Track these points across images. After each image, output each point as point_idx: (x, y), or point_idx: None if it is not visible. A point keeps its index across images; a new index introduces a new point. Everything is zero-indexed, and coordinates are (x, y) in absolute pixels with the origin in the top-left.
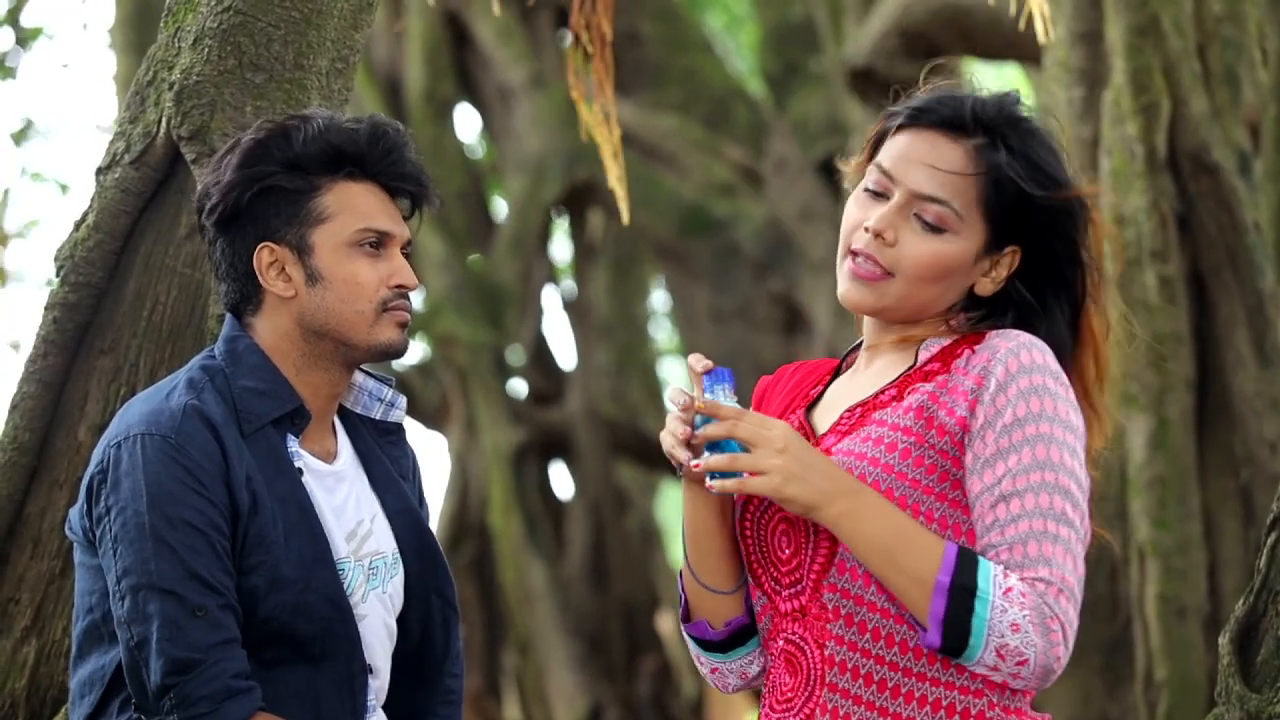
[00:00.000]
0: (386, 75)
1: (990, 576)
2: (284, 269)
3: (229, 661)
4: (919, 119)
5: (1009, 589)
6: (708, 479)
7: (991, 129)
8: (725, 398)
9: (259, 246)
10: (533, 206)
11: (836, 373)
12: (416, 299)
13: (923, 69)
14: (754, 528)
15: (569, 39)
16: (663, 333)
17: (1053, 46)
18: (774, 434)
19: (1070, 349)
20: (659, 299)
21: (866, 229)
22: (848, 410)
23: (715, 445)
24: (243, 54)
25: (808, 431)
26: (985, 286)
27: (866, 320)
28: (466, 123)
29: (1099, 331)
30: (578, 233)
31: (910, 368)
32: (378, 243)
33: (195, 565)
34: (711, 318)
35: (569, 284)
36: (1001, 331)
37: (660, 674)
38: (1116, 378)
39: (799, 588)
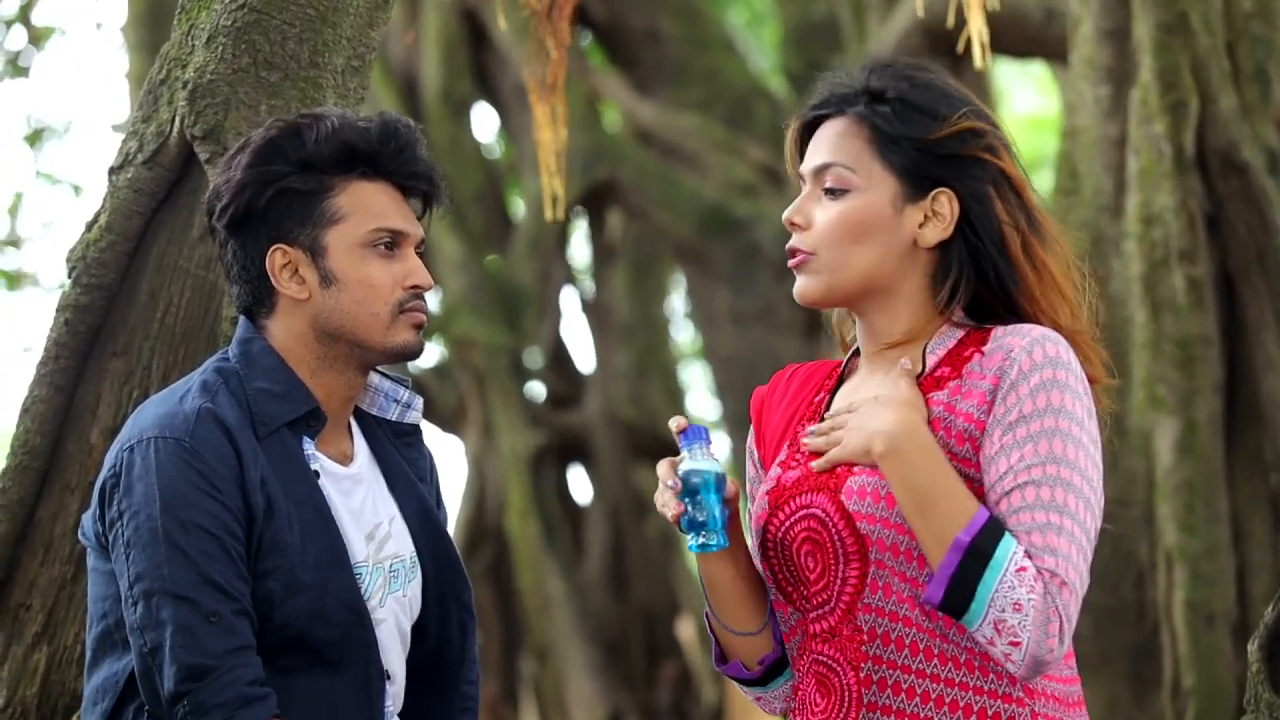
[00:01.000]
0: (403, 74)
1: (1010, 551)
2: (297, 271)
3: (244, 668)
4: (817, 116)
5: (1023, 568)
6: (689, 539)
7: (872, 92)
8: (702, 454)
9: (271, 249)
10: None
11: (841, 379)
12: (433, 300)
13: (946, 67)
14: (777, 547)
15: (584, 36)
16: (683, 335)
17: (1079, 44)
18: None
19: (1016, 282)
20: (679, 300)
21: (790, 224)
22: None
23: (694, 499)
24: (257, 52)
25: (820, 449)
26: (930, 234)
27: (858, 328)
28: (484, 122)
29: (1044, 255)
30: (597, 233)
31: (920, 375)
32: (392, 243)
33: (209, 570)
34: (732, 319)
35: (588, 285)
36: (1012, 328)
37: (680, 681)
38: (1144, 379)
39: (828, 608)
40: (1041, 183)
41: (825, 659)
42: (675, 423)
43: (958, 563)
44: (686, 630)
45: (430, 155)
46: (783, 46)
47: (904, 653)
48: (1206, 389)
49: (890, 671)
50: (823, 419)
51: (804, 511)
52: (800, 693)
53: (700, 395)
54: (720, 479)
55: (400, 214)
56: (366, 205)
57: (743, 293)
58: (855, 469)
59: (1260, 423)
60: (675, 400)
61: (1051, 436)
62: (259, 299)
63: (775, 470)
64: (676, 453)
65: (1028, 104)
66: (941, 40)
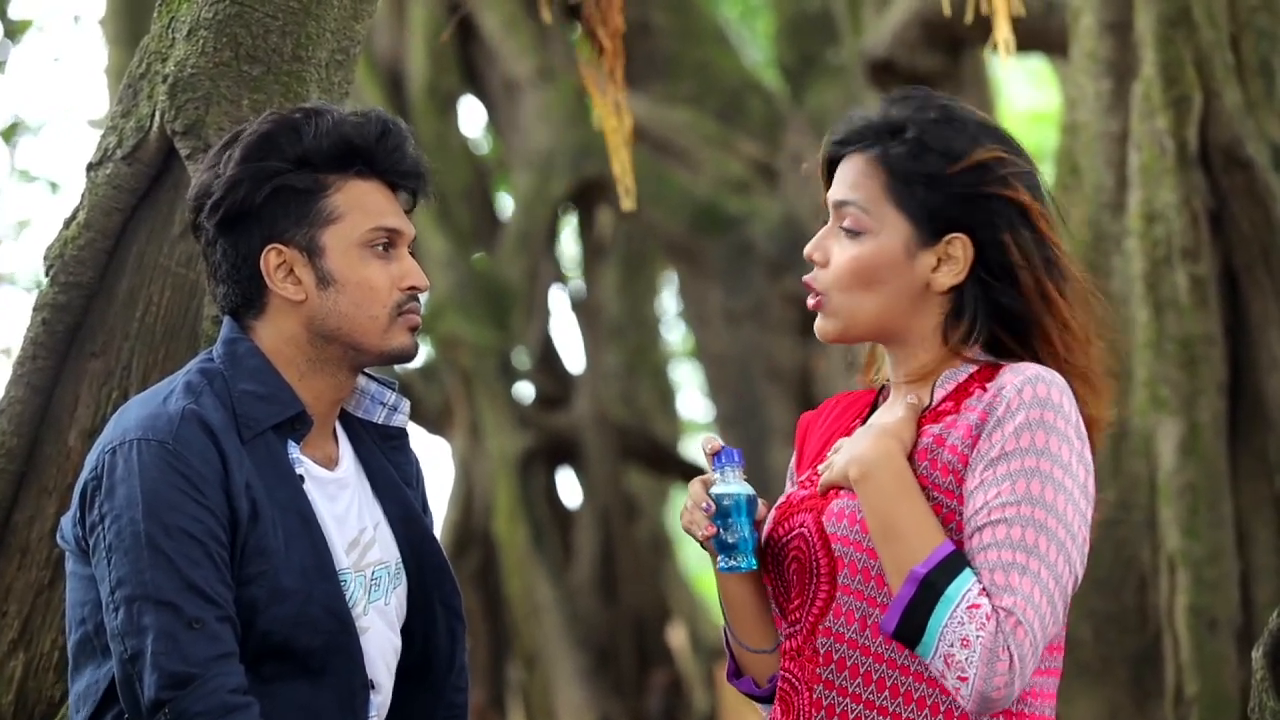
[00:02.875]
0: (388, 67)
1: (964, 587)
2: (292, 271)
3: (226, 676)
4: (840, 151)
5: (975, 605)
6: (719, 560)
7: (892, 127)
8: (734, 476)
9: (266, 248)
10: (540, 203)
11: (874, 406)
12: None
13: (944, 60)
14: (774, 562)
15: (579, 29)
16: (674, 334)
17: (1080, 37)
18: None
19: (1029, 319)
20: (670, 299)
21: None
22: None
23: (725, 521)
24: (239, 45)
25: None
26: (941, 281)
27: (885, 358)
28: (471, 117)
29: (1061, 294)
30: (586, 231)
31: (926, 409)
32: (389, 243)
33: (192, 576)
34: (725, 319)
35: (577, 284)
36: (1013, 366)
37: (671, 688)
38: (1146, 380)
39: (798, 627)
40: (971, 130)
41: (790, 677)
42: (708, 444)
43: (911, 595)
44: (677, 636)
45: (419, 151)
46: (776, 39)
47: (856, 681)
48: (1210, 389)
49: (840, 699)
50: None
51: (796, 530)
52: (774, 709)
53: (692, 396)
54: (752, 501)
55: (395, 213)
56: (363, 204)
57: (735, 291)
58: (840, 492)
59: (1265, 424)
60: (666, 401)
61: (1030, 476)
62: (249, 300)
63: (792, 488)
64: (667, 455)
65: (1027, 98)
66: (940, 32)
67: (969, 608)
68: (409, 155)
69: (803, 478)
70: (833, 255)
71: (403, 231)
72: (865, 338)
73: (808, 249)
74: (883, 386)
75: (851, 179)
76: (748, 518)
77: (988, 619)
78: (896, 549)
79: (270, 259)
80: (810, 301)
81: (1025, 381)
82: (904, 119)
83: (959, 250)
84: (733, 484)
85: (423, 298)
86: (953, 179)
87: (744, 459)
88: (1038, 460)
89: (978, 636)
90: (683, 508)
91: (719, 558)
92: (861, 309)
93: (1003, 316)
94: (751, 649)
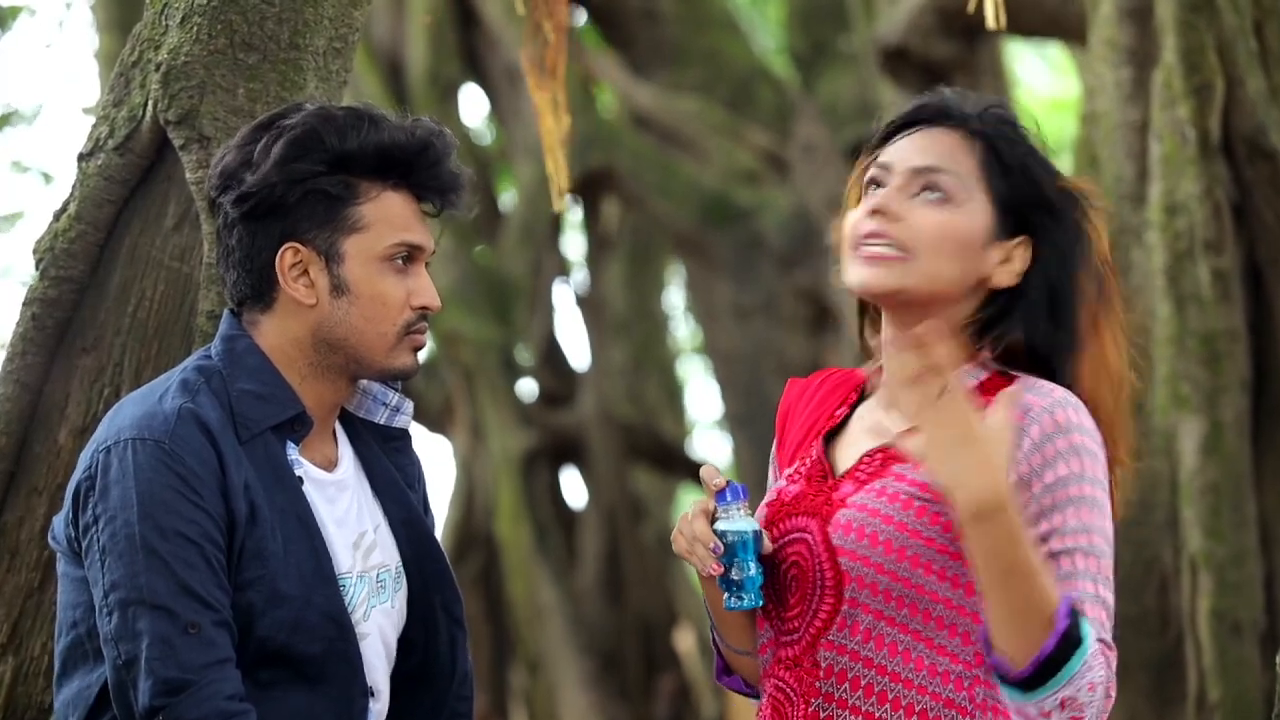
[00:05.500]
0: (388, 55)
1: (1090, 633)
2: (306, 272)
3: (222, 683)
4: (903, 127)
5: (1095, 650)
6: (725, 598)
7: (981, 117)
8: (740, 513)
9: (284, 245)
10: (543, 195)
11: (862, 393)
12: None
13: (960, 48)
14: (767, 563)
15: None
16: (682, 330)
17: (1099, 24)
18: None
19: (1071, 349)
20: (678, 294)
21: (871, 212)
22: (868, 455)
23: (730, 559)
24: (234, 33)
25: (826, 469)
26: (1002, 277)
27: (886, 344)
28: (473, 106)
29: (1103, 331)
30: (591, 223)
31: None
32: (409, 257)
33: (188, 579)
34: (733, 314)
35: (582, 278)
36: (1033, 386)
37: (679, 694)
38: (1167, 376)
39: (796, 636)
40: (1060, 169)
41: (784, 686)
42: (714, 481)
43: (1054, 646)
44: (685, 640)
45: (460, 166)
46: (787, 26)
47: (857, 694)
48: (1233, 386)
49: (839, 711)
50: (838, 433)
51: (796, 534)
52: (762, 713)
53: (700, 393)
54: (758, 537)
55: (420, 227)
56: (389, 217)
57: (744, 285)
58: (847, 501)
59: None
60: (673, 399)
61: (1078, 505)
62: (258, 293)
63: (780, 483)
64: (674, 454)
65: (1045, 86)
66: (955, 18)
67: (1094, 653)
68: (447, 170)
69: (790, 471)
70: (913, 215)
71: (424, 246)
72: (913, 302)
73: (880, 202)
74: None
75: (942, 149)
76: (754, 556)
77: (1102, 658)
78: (1016, 595)
79: (286, 256)
80: (879, 251)
81: (1054, 405)
82: (1009, 116)
83: (1023, 254)
84: (739, 521)
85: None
86: (1048, 188)
87: (748, 493)
88: (1081, 487)
89: (1100, 678)
90: (677, 532)
91: (725, 596)
92: (942, 274)
93: (1031, 333)
94: (740, 650)
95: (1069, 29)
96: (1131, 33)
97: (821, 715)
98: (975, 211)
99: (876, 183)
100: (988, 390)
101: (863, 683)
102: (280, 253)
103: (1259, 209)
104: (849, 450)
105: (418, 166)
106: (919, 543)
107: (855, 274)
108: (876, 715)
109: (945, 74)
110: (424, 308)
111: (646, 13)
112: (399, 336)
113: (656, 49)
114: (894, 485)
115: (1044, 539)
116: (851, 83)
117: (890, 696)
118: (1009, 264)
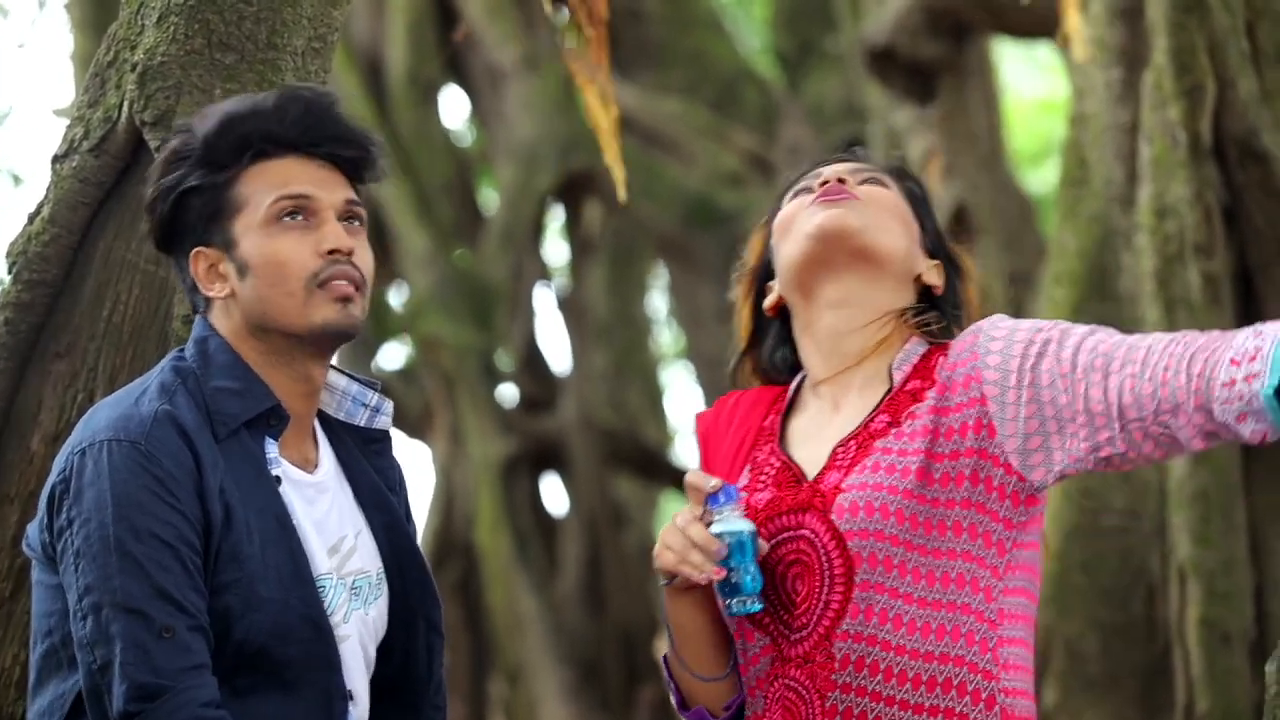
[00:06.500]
0: (367, 55)
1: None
2: (216, 269)
3: (198, 689)
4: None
5: None
6: (728, 603)
7: (890, 170)
8: (734, 514)
9: (194, 253)
10: (525, 197)
11: (789, 407)
12: (397, 297)
13: (947, 48)
14: (763, 568)
15: (565, 16)
16: (665, 334)
17: (1088, 24)
18: None
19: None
20: (661, 298)
21: (822, 182)
22: (840, 446)
23: (728, 562)
24: (211, 32)
25: (797, 471)
26: (929, 278)
27: (814, 350)
28: (453, 107)
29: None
30: (573, 226)
31: (888, 391)
32: (299, 211)
33: (163, 582)
34: (717, 318)
35: (563, 282)
36: (960, 336)
37: (660, 705)
38: None
39: (805, 633)
40: (1049, 172)
41: (796, 685)
42: (709, 484)
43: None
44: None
45: (345, 118)
46: (772, 26)
47: (877, 678)
48: None
49: (859, 700)
50: (780, 443)
51: (791, 533)
52: (764, 718)
53: (683, 399)
54: (754, 537)
55: (309, 179)
56: (265, 184)
57: (729, 289)
58: (842, 486)
59: None
60: (656, 405)
61: (1067, 335)
62: (200, 302)
63: (740, 495)
64: (657, 460)
65: (1034, 88)
66: (943, 18)
67: None
68: (323, 123)
69: (744, 482)
70: (864, 189)
71: (316, 197)
72: (868, 254)
73: (832, 171)
74: (796, 385)
75: (869, 168)
76: (753, 557)
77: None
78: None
79: (199, 263)
80: (836, 194)
81: (988, 324)
82: (914, 174)
83: (939, 275)
84: (735, 522)
85: (365, 268)
86: (947, 242)
87: (741, 495)
88: (1053, 329)
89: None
90: (662, 546)
91: (726, 603)
92: (895, 238)
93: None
94: (704, 677)
95: (1059, 29)
96: (1121, 33)
97: (841, 708)
98: (910, 213)
99: (807, 189)
100: (932, 356)
101: (882, 666)
102: (193, 261)
103: (1250, 212)
104: (811, 453)
105: (277, 129)
106: (924, 505)
107: (815, 221)
108: (898, 698)
109: (932, 75)
110: (333, 252)
111: (630, 13)
112: (308, 291)
113: (640, 49)
114: (885, 459)
115: (1092, 356)
116: (838, 84)
117: (910, 675)
118: (932, 273)
